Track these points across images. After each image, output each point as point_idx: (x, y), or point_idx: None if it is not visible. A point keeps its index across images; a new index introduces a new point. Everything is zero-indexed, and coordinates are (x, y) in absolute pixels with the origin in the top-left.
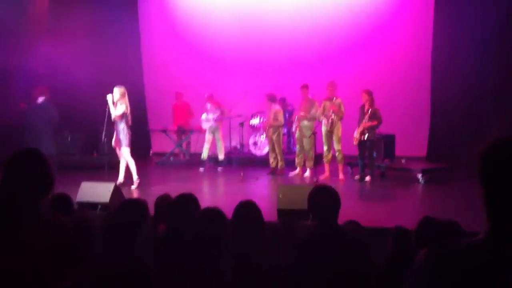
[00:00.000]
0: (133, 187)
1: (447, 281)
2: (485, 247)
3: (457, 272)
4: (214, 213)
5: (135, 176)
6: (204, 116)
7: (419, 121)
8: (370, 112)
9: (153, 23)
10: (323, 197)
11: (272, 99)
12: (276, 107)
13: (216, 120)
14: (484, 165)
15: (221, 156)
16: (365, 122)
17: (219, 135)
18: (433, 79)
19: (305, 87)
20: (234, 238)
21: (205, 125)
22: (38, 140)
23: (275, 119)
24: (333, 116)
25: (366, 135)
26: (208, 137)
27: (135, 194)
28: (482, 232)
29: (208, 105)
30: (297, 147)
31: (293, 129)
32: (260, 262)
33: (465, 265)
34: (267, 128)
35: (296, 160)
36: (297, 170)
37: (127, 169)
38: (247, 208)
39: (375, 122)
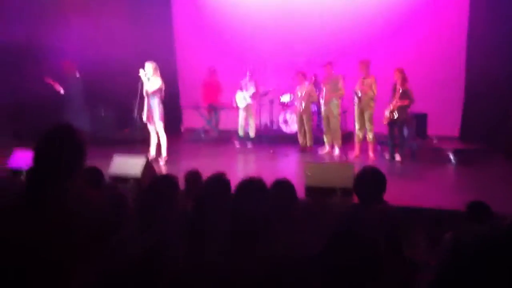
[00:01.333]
0: (162, 162)
1: (471, 263)
2: (507, 233)
3: (480, 255)
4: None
5: (164, 152)
6: (240, 94)
7: (453, 100)
8: (401, 91)
9: (185, 0)
10: (372, 178)
11: (303, 75)
12: (308, 84)
13: (252, 98)
14: None
15: (252, 134)
16: (396, 102)
17: (252, 113)
18: (468, 57)
19: (328, 64)
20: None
21: (241, 103)
22: (76, 115)
23: (307, 95)
24: (359, 94)
25: (396, 115)
26: (242, 114)
27: (166, 170)
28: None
29: (244, 83)
30: (324, 125)
31: (321, 107)
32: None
33: (489, 249)
34: (302, 103)
35: (325, 138)
36: (327, 148)
37: (158, 144)
38: (283, 186)
39: (406, 102)
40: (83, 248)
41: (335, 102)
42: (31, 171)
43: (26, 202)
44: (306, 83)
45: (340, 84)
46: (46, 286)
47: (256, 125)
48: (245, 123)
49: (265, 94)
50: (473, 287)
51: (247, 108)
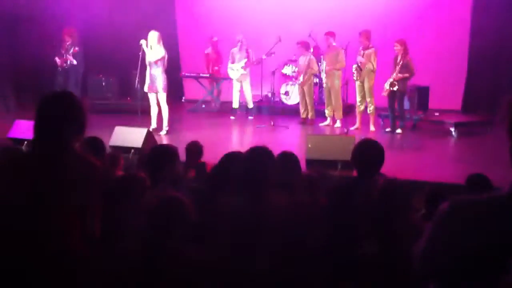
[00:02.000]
0: (163, 133)
1: (467, 232)
2: (506, 202)
3: (477, 224)
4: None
5: (166, 123)
6: (231, 65)
7: (455, 74)
8: (402, 63)
9: None
10: (369, 151)
11: (305, 46)
12: (310, 55)
13: (244, 68)
14: None
15: (250, 105)
16: (396, 74)
17: (247, 83)
18: (471, 29)
19: (329, 33)
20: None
21: (234, 74)
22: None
23: (309, 67)
24: (361, 67)
25: (396, 87)
26: (237, 85)
27: (167, 140)
28: (506, 187)
29: (234, 53)
30: (326, 98)
31: (323, 80)
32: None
33: (485, 218)
34: (301, 75)
35: (326, 111)
36: (328, 121)
37: (159, 115)
38: (289, 158)
39: (406, 74)
40: (87, 208)
41: (336, 74)
42: (32, 138)
43: (29, 166)
44: (308, 54)
45: (341, 56)
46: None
47: (257, 96)
48: (241, 94)
49: (258, 62)
50: (467, 251)
51: (241, 78)
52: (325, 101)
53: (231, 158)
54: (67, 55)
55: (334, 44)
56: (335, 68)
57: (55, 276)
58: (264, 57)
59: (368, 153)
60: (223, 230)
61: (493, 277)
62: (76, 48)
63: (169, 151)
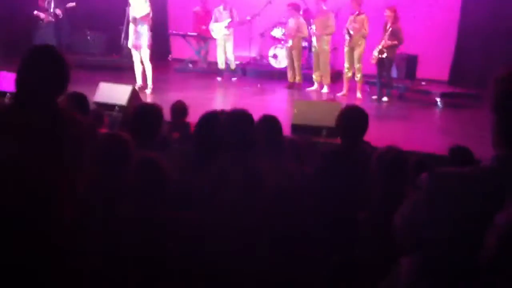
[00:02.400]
0: (148, 91)
1: (446, 204)
2: (488, 175)
3: (456, 197)
4: (243, 115)
5: (150, 81)
6: (214, 24)
7: (445, 43)
8: (391, 30)
9: None
10: (354, 117)
11: (296, 9)
12: (300, 18)
13: (228, 28)
14: (498, 90)
15: (232, 66)
16: (385, 41)
17: (230, 44)
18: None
19: None
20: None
21: (216, 34)
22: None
23: (298, 30)
24: (352, 33)
25: (385, 54)
26: (220, 46)
27: (152, 99)
28: (487, 160)
29: (218, 12)
30: (314, 62)
31: (313, 44)
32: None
33: (466, 192)
34: (290, 39)
35: (314, 76)
36: (315, 86)
37: (144, 72)
38: (270, 122)
39: (395, 42)
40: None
41: (325, 39)
42: (14, 93)
43: (10, 122)
44: (298, 17)
45: (331, 20)
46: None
47: (245, 58)
48: (225, 55)
49: (242, 23)
50: (446, 224)
51: (225, 38)
52: (313, 66)
53: (209, 119)
54: (56, 9)
55: (324, 8)
56: (325, 33)
57: (46, 243)
58: (248, 18)
59: (352, 119)
60: (213, 193)
61: (471, 250)
62: (74, 4)
63: (153, 110)
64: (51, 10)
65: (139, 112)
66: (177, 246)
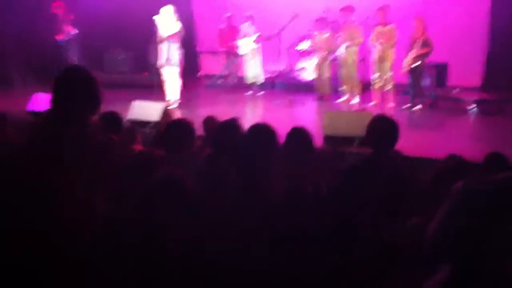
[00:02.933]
0: (174, 106)
1: (480, 212)
2: None
3: (490, 204)
4: (264, 129)
5: (178, 96)
6: (242, 40)
7: (475, 50)
8: (421, 39)
9: None
10: (383, 126)
11: (324, 23)
12: (328, 32)
13: (256, 42)
14: None
15: (261, 80)
16: (416, 50)
17: (258, 59)
18: (492, 4)
19: (347, 9)
20: (285, 161)
21: (245, 49)
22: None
23: (328, 44)
24: (380, 43)
25: (419, 62)
26: (248, 61)
27: (183, 115)
28: None
29: (245, 28)
30: (343, 74)
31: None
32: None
33: (499, 198)
34: (319, 52)
35: (344, 87)
36: (345, 97)
37: (174, 88)
38: (300, 134)
39: (425, 50)
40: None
41: (353, 49)
42: (48, 112)
43: (43, 141)
44: (326, 31)
45: (358, 31)
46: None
47: (273, 72)
48: (253, 70)
49: (269, 38)
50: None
51: (253, 53)
52: (343, 77)
53: (227, 130)
54: (67, 27)
55: (352, 19)
56: (352, 43)
57: (67, 255)
58: (275, 31)
59: (382, 128)
60: (213, 193)
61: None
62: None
63: (184, 124)
64: (67, 27)
65: (170, 127)
66: (178, 246)
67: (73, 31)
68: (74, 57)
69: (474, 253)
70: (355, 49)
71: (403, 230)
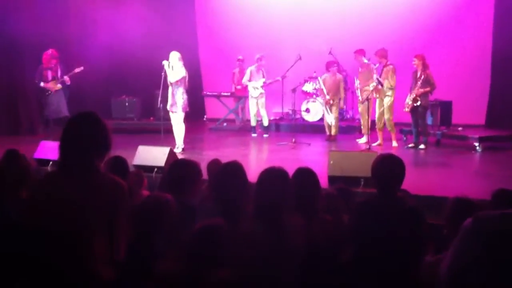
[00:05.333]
0: (178, 150)
1: (491, 247)
2: None
3: (502, 239)
4: (278, 174)
5: (181, 141)
6: (251, 83)
7: (478, 88)
8: (423, 78)
9: None
10: (388, 166)
11: (334, 65)
12: (338, 75)
13: (262, 87)
14: None
15: (265, 123)
16: (418, 89)
17: (263, 102)
18: (494, 43)
19: (359, 52)
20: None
21: (254, 93)
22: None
23: (339, 87)
24: (379, 86)
25: (419, 102)
26: (253, 103)
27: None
28: None
29: (252, 72)
30: (362, 114)
31: (358, 96)
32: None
33: (509, 233)
34: (329, 94)
35: (363, 128)
36: (365, 138)
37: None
38: (306, 174)
39: (428, 88)
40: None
41: (367, 89)
42: (57, 161)
43: (53, 189)
44: (336, 73)
45: (374, 72)
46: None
47: (278, 113)
48: (257, 113)
49: (274, 83)
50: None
51: (258, 96)
52: (361, 118)
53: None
54: (65, 77)
55: (366, 61)
56: (367, 84)
57: None
58: (278, 78)
59: (387, 168)
60: (240, 257)
61: None
62: (82, 68)
63: (190, 166)
64: (59, 78)
65: (174, 166)
66: None
67: (67, 79)
68: (65, 104)
69: (489, 285)
70: (369, 90)
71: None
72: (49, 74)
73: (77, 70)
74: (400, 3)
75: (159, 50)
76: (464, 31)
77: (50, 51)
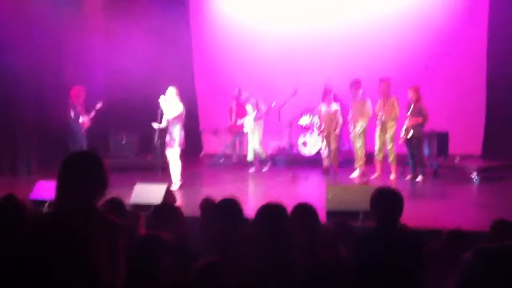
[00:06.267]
0: (175, 187)
1: (492, 277)
2: None
3: (501, 269)
4: (275, 209)
5: (177, 178)
6: (245, 118)
7: (474, 118)
8: (414, 108)
9: (204, 24)
10: (387, 198)
11: (330, 96)
12: (335, 105)
13: (255, 119)
14: None
15: (262, 156)
16: (409, 120)
17: (258, 135)
18: (488, 75)
19: (355, 83)
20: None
21: (247, 127)
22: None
23: (336, 118)
24: (383, 117)
25: (411, 133)
26: (250, 138)
27: (183, 196)
28: None
29: (249, 105)
30: (354, 147)
31: (350, 130)
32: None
33: (509, 265)
34: (326, 125)
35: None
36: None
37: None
38: (304, 210)
39: (419, 120)
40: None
41: (362, 123)
42: (54, 201)
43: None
44: (333, 104)
45: (367, 105)
46: None
47: (275, 148)
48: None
49: (268, 112)
50: None
51: (253, 131)
52: (354, 150)
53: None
54: (92, 112)
55: (360, 93)
56: (361, 117)
57: None
58: (273, 104)
59: (386, 201)
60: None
61: None
62: (101, 103)
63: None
64: (90, 114)
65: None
66: None
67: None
68: (83, 143)
69: None
70: (363, 123)
71: None
72: (80, 110)
73: (98, 106)
74: (395, 35)
75: (156, 86)
76: (459, 61)
77: (78, 87)
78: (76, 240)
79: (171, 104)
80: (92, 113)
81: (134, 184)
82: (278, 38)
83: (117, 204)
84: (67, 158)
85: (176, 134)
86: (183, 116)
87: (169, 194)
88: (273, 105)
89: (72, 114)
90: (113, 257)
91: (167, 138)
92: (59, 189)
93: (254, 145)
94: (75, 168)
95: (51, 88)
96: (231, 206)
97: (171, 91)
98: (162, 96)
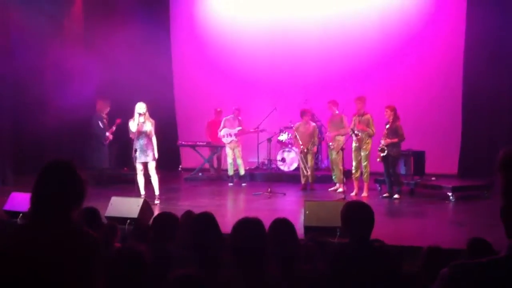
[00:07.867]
0: (156, 202)
1: None
2: (505, 265)
3: (476, 285)
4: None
5: (157, 192)
6: (224, 131)
7: (450, 138)
8: (390, 128)
9: (184, 39)
10: (358, 213)
11: (308, 115)
12: (312, 123)
13: (237, 135)
14: (505, 174)
15: (242, 172)
16: (384, 139)
17: (239, 151)
18: (464, 93)
19: (332, 102)
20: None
21: (227, 141)
22: (99, 151)
23: (313, 135)
24: (359, 134)
25: (386, 152)
26: (229, 152)
27: (163, 210)
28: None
29: (228, 121)
30: (331, 163)
31: (331, 146)
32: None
33: (485, 281)
34: (304, 143)
35: (334, 177)
36: (336, 186)
37: (150, 183)
38: (282, 225)
39: (395, 139)
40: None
41: (339, 140)
42: (29, 213)
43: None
44: (310, 122)
45: (344, 122)
46: None
47: (253, 163)
48: (234, 162)
49: (247, 133)
50: None
51: (234, 146)
52: (331, 167)
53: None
54: (113, 127)
55: (337, 112)
56: (337, 134)
57: None
58: (252, 130)
59: (354, 213)
60: None
61: None
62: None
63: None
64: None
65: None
66: None
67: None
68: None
69: None
70: (341, 139)
71: None
72: (106, 123)
73: (118, 121)
74: (374, 53)
75: (134, 100)
76: (435, 81)
77: (103, 99)
78: (50, 253)
79: (143, 119)
80: (113, 128)
81: (110, 197)
82: (259, 53)
83: (92, 214)
84: (43, 169)
85: (150, 147)
86: (154, 130)
87: (145, 207)
88: (251, 130)
89: (101, 125)
90: (90, 271)
91: (145, 151)
92: (34, 200)
93: (236, 160)
94: (51, 179)
95: (28, 98)
96: (206, 220)
97: (143, 107)
98: (139, 110)
